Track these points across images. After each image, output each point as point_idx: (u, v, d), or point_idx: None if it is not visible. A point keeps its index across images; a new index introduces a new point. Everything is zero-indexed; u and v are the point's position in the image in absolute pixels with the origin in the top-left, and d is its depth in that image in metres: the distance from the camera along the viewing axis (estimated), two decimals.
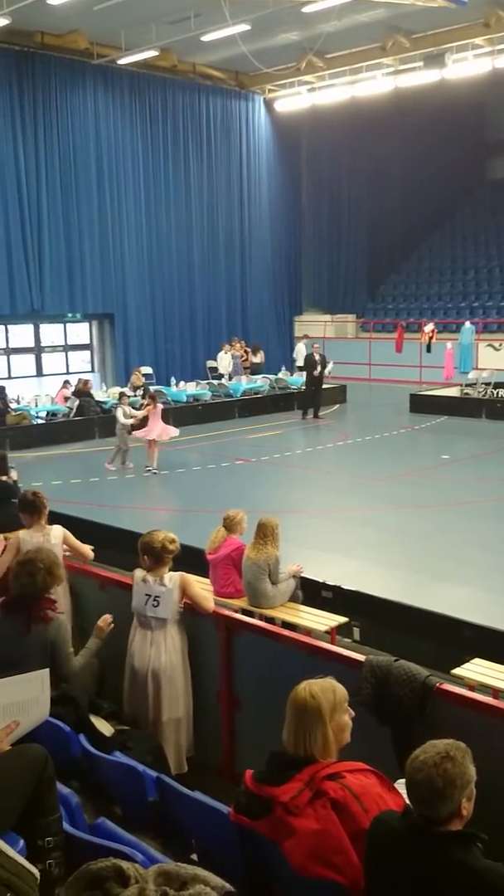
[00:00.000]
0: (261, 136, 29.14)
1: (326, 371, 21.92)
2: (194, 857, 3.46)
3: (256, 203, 29.19)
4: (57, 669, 4.57)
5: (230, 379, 24.09)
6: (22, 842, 2.89)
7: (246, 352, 25.73)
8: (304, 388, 22.08)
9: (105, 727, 4.51)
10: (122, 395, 17.50)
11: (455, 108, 27.03)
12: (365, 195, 32.28)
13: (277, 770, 3.15)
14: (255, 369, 25.43)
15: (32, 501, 6.52)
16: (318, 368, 21.12)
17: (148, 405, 15.78)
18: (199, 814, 3.44)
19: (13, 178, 22.58)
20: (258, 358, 25.83)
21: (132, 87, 25.12)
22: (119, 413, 15.65)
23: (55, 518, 10.62)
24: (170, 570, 5.29)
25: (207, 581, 8.27)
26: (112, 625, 5.10)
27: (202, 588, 5.84)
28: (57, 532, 6.46)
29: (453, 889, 2.59)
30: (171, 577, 5.21)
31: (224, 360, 24.77)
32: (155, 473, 15.09)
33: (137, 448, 15.59)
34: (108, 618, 5.10)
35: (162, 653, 5.14)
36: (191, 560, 8.84)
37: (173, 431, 15.87)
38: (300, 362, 23.99)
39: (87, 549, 6.62)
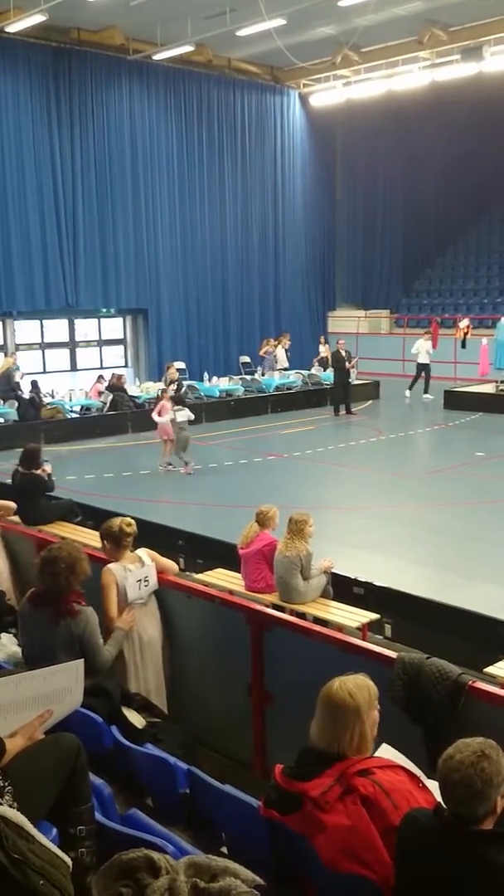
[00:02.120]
0: (295, 131, 29.07)
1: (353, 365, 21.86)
2: (224, 849, 3.48)
3: (290, 198, 29.13)
4: (90, 662, 4.61)
5: (264, 371, 24.10)
6: (55, 830, 2.92)
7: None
8: (333, 384, 22.02)
9: (137, 719, 4.55)
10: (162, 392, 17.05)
11: (492, 102, 26.69)
12: (400, 190, 32.06)
13: (307, 765, 3.16)
14: (322, 363, 25.14)
15: None
16: (346, 364, 21.03)
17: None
18: (230, 807, 3.45)
19: (49, 174, 22.74)
20: (324, 351, 25.60)
21: (167, 83, 25.17)
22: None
23: (88, 511, 10.73)
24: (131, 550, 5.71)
25: (239, 575, 8.29)
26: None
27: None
28: None
29: (484, 888, 2.58)
30: (144, 555, 5.68)
31: (281, 354, 24.68)
32: (170, 468, 15.06)
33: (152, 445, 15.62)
34: (131, 616, 5.35)
35: (156, 621, 5.66)
36: (223, 555, 8.92)
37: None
38: (424, 359, 23.36)
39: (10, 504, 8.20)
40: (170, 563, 5.92)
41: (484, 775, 2.66)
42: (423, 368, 22.96)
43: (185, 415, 14.81)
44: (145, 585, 5.55)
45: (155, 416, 15.39)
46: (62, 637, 4.69)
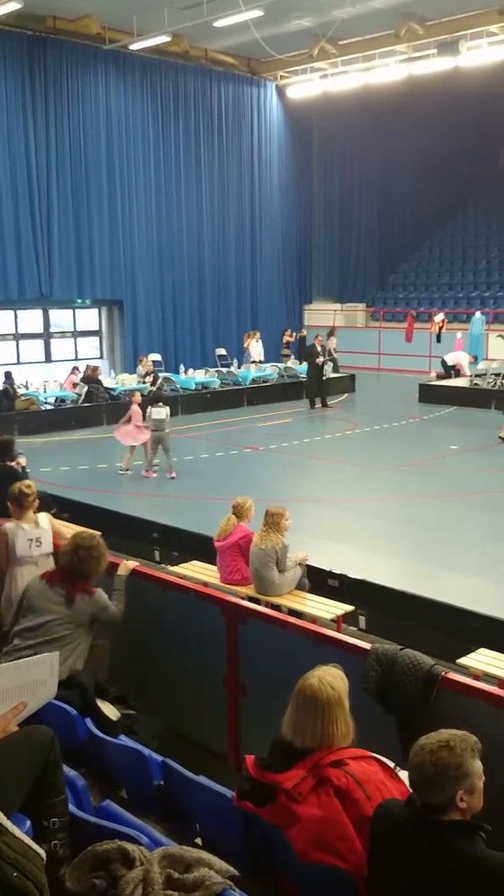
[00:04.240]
0: (272, 123, 29.02)
1: (328, 366, 21.85)
2: (198, 841, 3.49)
3: (267, 190, 29.09)
4: (106, 627, 5.28)
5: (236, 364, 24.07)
6: (28, 822, 2.91)
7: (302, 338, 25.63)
8: (307, 378, 22.07)
9: (111, 711, 4.55)
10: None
11: (469, 97, 26.81)
12: (376, 183, 32.15)
13: (280, 757, 3.17)
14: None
15: None
16: (321, 358, 21.03)
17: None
18: (204, 798, 3.46)
19: (23, 163, 22.54)
20: (332, 344, 25.36)
21: (143, 73, 25.02)
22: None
23: (63, 504, 10.67)
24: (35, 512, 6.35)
25: (214, 568, 8.29)
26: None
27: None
28: None
29: (456, 878, 2.61)
30: (42, 519, 6.31)
31: (256, 348, 24.59)
32: (125, 472, 14.23)
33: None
34: (131, 565, 5.70)
35: None
36: (198, 547, 8.92)
37: (142, 437, 14.17)
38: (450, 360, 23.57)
39: None
40: (62, 532, 6.54)
41: (439, 763, 2.69)
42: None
43: (162, 412, 14.00)
44: (37, 546, 6.13)
45: (130, 426, 14.19)
46: (77, 613, 5.05)
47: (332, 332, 26.34)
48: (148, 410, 14.10)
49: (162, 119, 25.70)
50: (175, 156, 26.13)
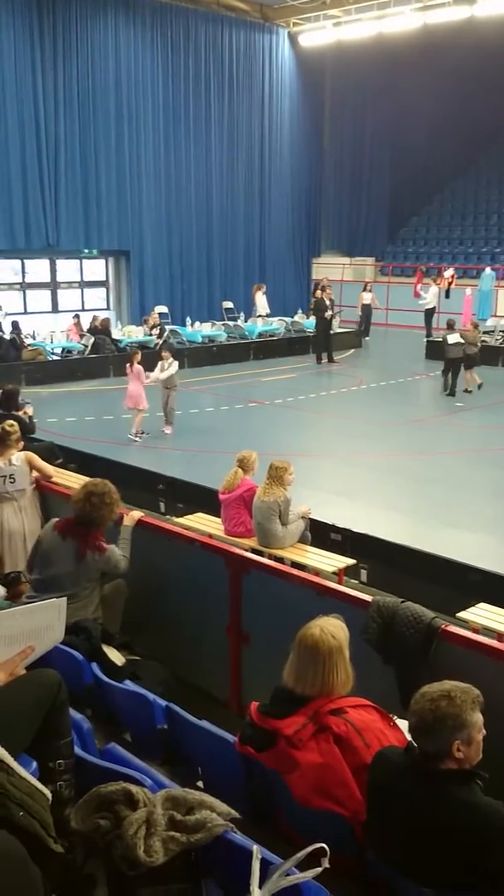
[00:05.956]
0: (284, 72, 28.46)
1: (336, 320, 21.71)
2: (200, 784, 3.56)
3: (277, 140, 28.63)
4: (115, 578, 5.32)
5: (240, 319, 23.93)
6: (35, 763, 2.97)
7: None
8: (315, 332, 21.97)
9: (117, 657, 4.62)
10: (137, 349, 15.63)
11: (483, 48, 26.22)
12: (388, 135, 31.60)
13: (282, 704, 3.23)
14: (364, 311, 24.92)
15: None
16: (329, 312, 20.92)
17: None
18: (206, 742, 3.52)
19: (31, 110, 22.19)
20: (368, 299, 25.20)
21: (154, 18, 24.50)
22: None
23: (69, 454, 10.70)
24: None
25: (219, 520, 8.33)
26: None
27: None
28: None
29: (451, 824, 2.66)
30: (19, 456, 6.70)
31: (260, 301, 24.45)
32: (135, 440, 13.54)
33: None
34: (136, 515, 5.70)
35: (31, 516, 6.67)
36: (203, 499, 8.96)
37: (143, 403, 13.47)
38: (432, 304, 23.34)
39: None
40: (45, 466, 6.91)
41: (438, 712, 2.73)
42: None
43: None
44: (11, 482, 6.59)
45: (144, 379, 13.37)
46: (89, 569, 5.06)
47: (366, 286, 26.13)
48: (171, 364, 13.57)
49: (172, 66, 25.22)
50: (185, 104, 25.69)
